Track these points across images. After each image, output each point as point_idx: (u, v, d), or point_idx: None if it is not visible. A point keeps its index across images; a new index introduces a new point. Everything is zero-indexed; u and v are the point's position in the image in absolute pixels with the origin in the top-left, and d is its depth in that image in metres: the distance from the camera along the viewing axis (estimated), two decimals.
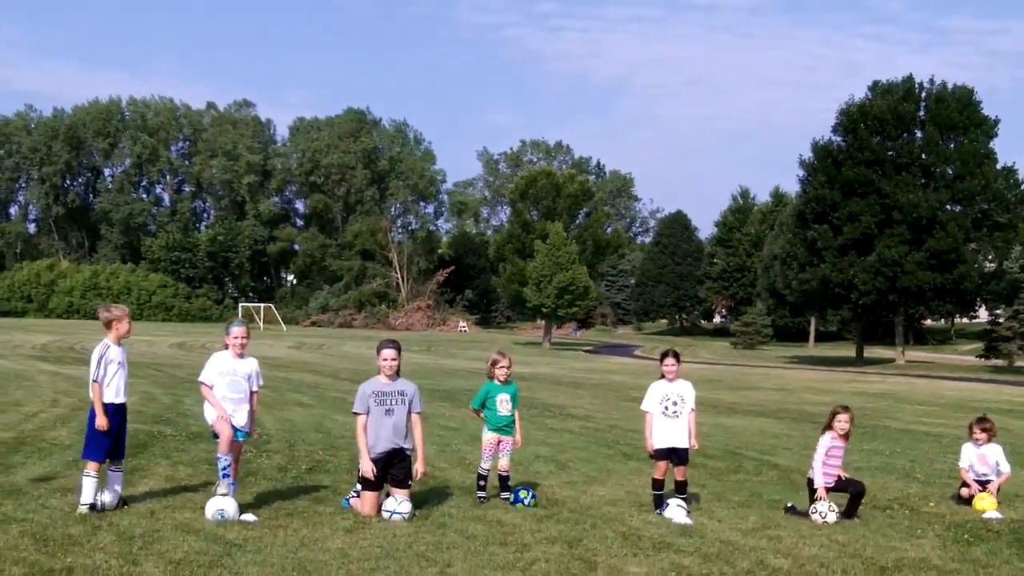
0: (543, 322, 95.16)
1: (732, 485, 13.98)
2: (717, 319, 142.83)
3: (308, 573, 8.09)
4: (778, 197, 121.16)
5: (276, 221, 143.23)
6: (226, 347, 10.80)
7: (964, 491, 13.03)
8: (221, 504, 10.03)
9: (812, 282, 70.08)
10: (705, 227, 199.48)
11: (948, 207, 68.49)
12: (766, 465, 16.23)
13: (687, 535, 10.22)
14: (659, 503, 11.41)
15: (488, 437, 11.83)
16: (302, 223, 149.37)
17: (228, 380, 10.63)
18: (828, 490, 11.68)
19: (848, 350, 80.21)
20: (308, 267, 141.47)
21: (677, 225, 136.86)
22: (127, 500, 10.51)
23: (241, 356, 10.75)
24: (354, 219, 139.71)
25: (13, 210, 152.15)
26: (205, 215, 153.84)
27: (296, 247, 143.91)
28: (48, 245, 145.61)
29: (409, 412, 11.04)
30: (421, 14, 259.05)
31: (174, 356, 47.52)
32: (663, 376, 11.81)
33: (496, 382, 11.94)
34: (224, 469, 10.42)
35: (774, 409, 29.24)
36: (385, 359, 11.02)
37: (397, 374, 11.13)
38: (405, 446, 10.99)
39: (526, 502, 11.44)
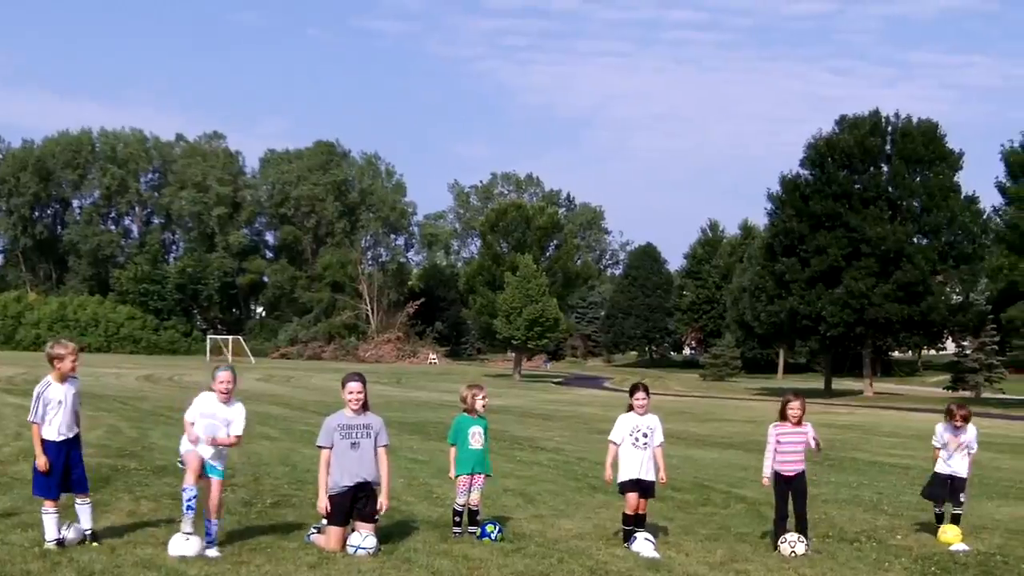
0: (513, 354, 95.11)
1: (700, 518, 13.94)
2: (687, 351, 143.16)
3: None
4: (747, 230, 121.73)
5: (246, 253, 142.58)
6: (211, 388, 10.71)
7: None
8: (184, 550, 9.87)
9: (780, 314, 70.39)
10: (675, 259, 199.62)
11: (915, 240, 69.09)
12: (734, 498, 16.21)
13: (654, 569, 10.16)
14: (628, 537, 11.30)
15: (460, 478, 11.73)
16: (272, 255, 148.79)
17: (207, 423, 10.50)
18: (785, 478, 11.67)
19: (817, 382, 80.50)
20: (278, 299, 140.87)
21: (647, 257, 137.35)
22: (97, 535, 10.35)
23: (226, 401, 10.61)
24: (324, 251, 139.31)
25: None
26: (174, 247, 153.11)
27: (266, 279, 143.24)
28: (15, 276, 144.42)
29: (375, 446, 10.95)
30: (391, 47, 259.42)
31: (141, 388, 47.13)
32: (631, 408, 11.70)
33: (470, 415, 11.87)
34: (188, 501, 10.26)
35: (742, 441, 29.27)
36: (351, 392, 10.92)
37: (364, 407, 11.03)
38: (371, 480, 10.89)
39: (493, 536, 11.33)
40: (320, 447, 10.90)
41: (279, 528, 11.67)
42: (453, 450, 11.87)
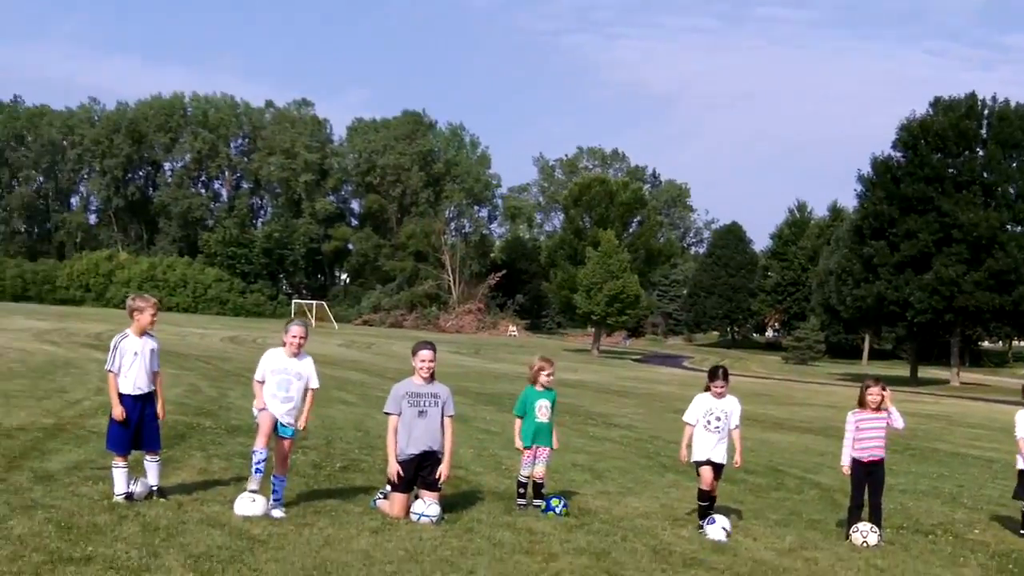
0: (592, 330, 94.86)
1: (771, 503, 13.71)
2: (769, 333, 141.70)
3: (328, 573, 7.95)
4: (835, 212, 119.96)
5: (331, 220, 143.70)
6: (283, 344, 10.71)
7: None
8: (250, 510, 9.90)
9: (867, 299, 69.21)
10: (760, 240, 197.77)
11: (1009, 227, 67.41)
12: (808, 483, 15.94)
13: (720, 552, 9.99)
14: (704, 515, 11.14)
15: (526, 451, 11.63)
16: (357, 223, 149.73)
17: (279, 378, 10.50)
18: (863, 465, 11.37)
19: (902, 369, 79.21)
20: (361, 266, 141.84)
21: (732, 237, 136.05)
22: (164, 490, 10.44)
23: (296, 355, 10.60)
24: (408, 220, 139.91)
25: (74, 201, 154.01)
26: (262, 212, 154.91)
27: (350, 246, 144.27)
28: (107, 236, 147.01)
29: (442, 415, 10.90)
30: (480, 19, 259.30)
31: (225, 350, 47.73)
32: (708, 390, 11.52)
33: (537, 387, 11.76)
34: (258, 464, 10.30)
35: (822, 426, 28.83)
36: (423, 360, 10.87)
37: (432, 376, 10.98)
38: (437, 449, 10.85)
39: (557, 510, 11.23)
40: (388, 414, 10.86)
41: (346, 492, 11.68)
42: (519, 422, 11.76)
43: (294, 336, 10.51)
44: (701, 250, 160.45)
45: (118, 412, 10.14)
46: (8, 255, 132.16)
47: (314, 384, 10.77)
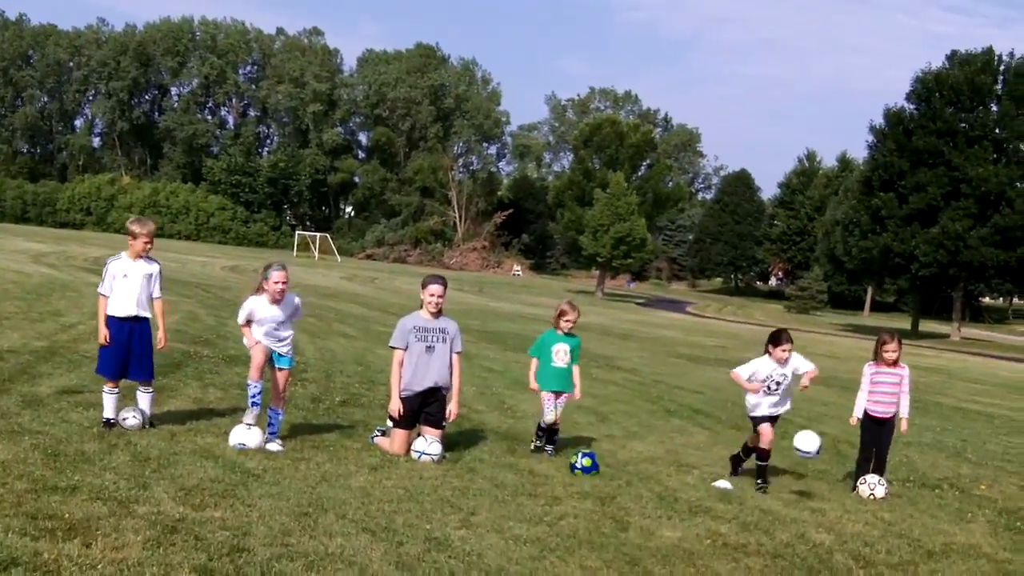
0: (597, 272, 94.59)
1: (777, 452, 13.45)
2: (773, 281, 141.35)
3: (324, 511, 7.70)
4: (844, 162, 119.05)
5: (338, 151, 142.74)
6: (259, 290, 10.30)
7: None
8: (243, 438, 9.67)
9: (873, 250, 68.77)
10: (768, 188, 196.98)
11: (1018, 183, 66.80)
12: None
13: (726, 501, 9.76)
14: (764, 474, 10.73)
15: (543, 394, 11.34)
16: (364, 155, 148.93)
17: (266, 327, 10.16)
18: (874, 419, 11.13)
19: (903, 322, 78.95)
20: (367, 200, 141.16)
21: (740, 184, 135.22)
22: (153, 422, 10.18)
23: (279, 302, 10.24)
24: (416, 155, 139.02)
25: (79, 122, 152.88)
26: (268, 141, 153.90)
27: (356, 179, 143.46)
28: (111, 160, 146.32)
29: (450, 351, 10.63)
30: None
31: (225, 279, 47.49)
32: (770, 354, 10.85)
33: (558, 332, 11.49)
34: (253, 396, 10.05)
35: (825, 376, 28.48)
36: (432, 294, 10.57)
37: (440, 312, 10.69)
38: (442, 385, 10.61)
39: (578, 464, 10.43)
40: (394, 348, 10.60)
41: (345, 427, 11.45)
42: (534, 363, 11.50)
43: (276, 283, 10.09)
44: (709, 196, 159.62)
45: (102, 336, 9.89)
46: (9, 176, 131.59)
47: (298, 316, 10.57)
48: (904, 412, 11.24)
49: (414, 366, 10.49)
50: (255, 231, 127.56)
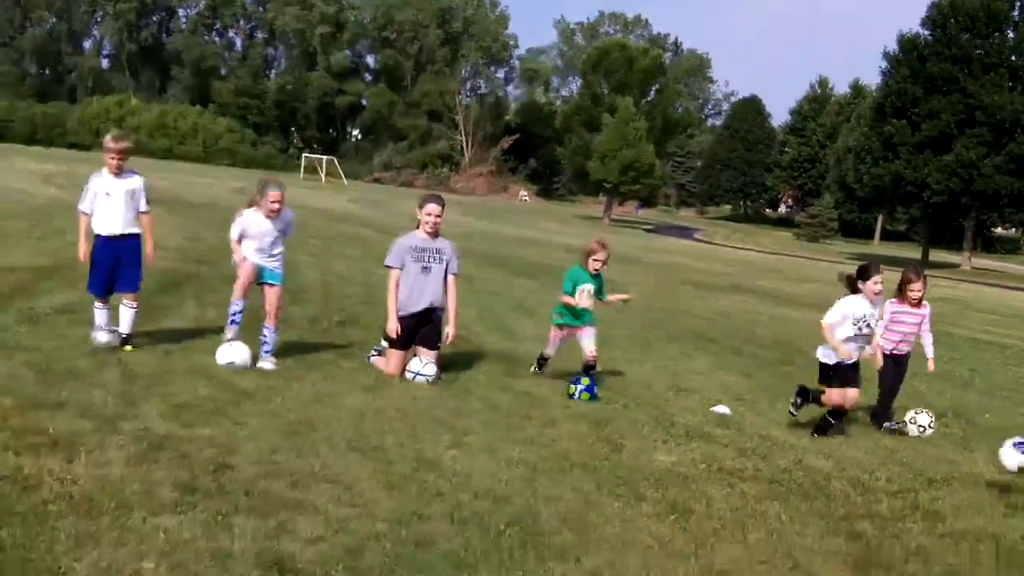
0: (605, 197, 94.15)
1: (781, 378, 13.36)
2: (782, 209, 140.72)
3: (315, 430, 7.59)
4: (857, 89, 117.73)
5: (346, 75, 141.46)
6: (253, 205, 10.14)
7: None
8: (230, 356, 9.55)
9: (884, 178, 68.31)
10: (779, 114, 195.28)
11: None
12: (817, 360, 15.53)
13: (724, 426, 9.65)
14: (827, 430, 9.72)
15: (554, 331, 10.90)
16: (371, 78, 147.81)
17: (259, 242, 10.02)
18: (895, 359, 10.72)
19: (914, 251, 78.64)
20: (374, 123, 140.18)
21: (750, 110, 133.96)
22: (134, 338, 9.97)
23: (275, 218, 10.06)
24: (424, 78, 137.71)
25: (87, 44, 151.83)
26: (275, 63, 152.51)
27: (364, 102, 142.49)
28: (119, 81, 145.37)
29: (446, 272, 10.45)
30: None
31: (232, 200, 47.14)
32: (857, 291, 9.72)
33: (588, 270, 10.85)
34: (233, 315, 9.97)
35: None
36: (429, 214, 10.38)
37: (437, 232, 10.50)
38: (438, 306, 10.45)
39: (576, 394, 10.13)
40: (389, 267, 10.42)
41: (341, 347, 11.32)
42: (567, 299, 10.81)
43: (274, 201, 9.95)
44: (718, 122, 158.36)
45: (82, 252, 9.79)
46: (19, 97, 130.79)
47: (289, 234, 10.42)
48: (930, 352, 10.90)
49: (410, 287, 10.33)
50: (263, 154, 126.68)
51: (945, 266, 68.40)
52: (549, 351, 11.04)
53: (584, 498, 6.69)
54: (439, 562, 5.23)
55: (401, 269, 10.33)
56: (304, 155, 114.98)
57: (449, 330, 10.42)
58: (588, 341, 10.74)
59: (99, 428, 6.87)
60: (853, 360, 9.67)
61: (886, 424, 10.50)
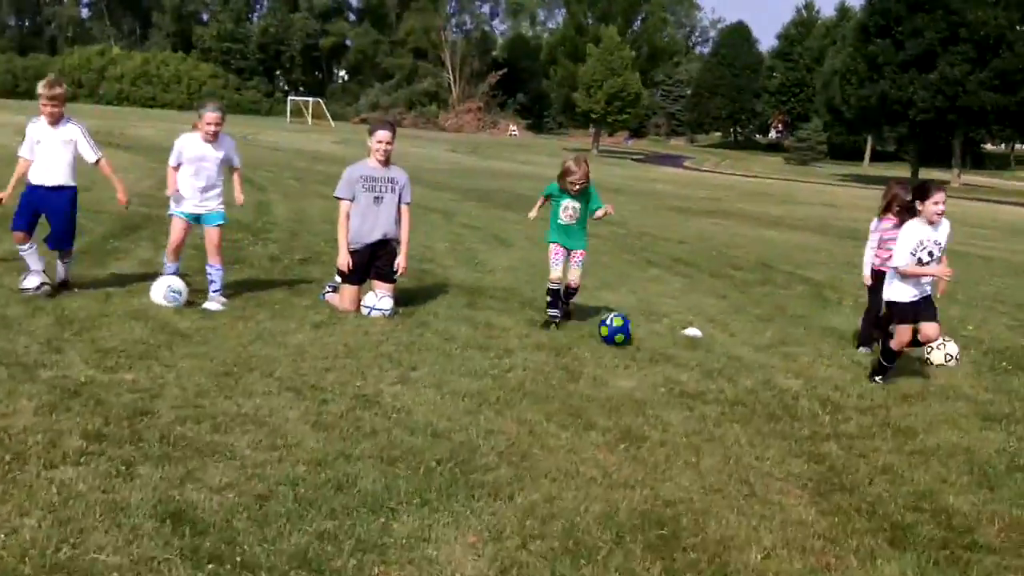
0: (593, 129, 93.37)
1: (756, 297, 12.96)
2: (773, 134, 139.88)
3: (250, 370, 7.18)
4: (843, 11, 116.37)
5: (328, 15, 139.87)
6: (194, 128, 9.69)
7: None
8: (167, 280, 9.17)
9: (870, 98, 67.65)
10: (766, 40, 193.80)
11: (1018, 26, 65.24)
12: (797, 279, 15.18)
13: (692, 348, 9.25)
14: (883, 372, 8.58)
15: (552, 245, 9.99)
16: (355, 18, 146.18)
17: (195, 166, 9.54)
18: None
19: (903, 171, 77.99)
20: (360, 63, 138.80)
21: (737, 36, 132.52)
22: (72, 285, 9.58)
23: (214, 141, 9.58)
24: (408, 16, 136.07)
25: None
26: (258, 6, 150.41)
27: (348, 42, 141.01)
28: (100, 30, 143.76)
29: (399, 202, 10.00)
30: None
31: None
32: (916, 215, 8.66)
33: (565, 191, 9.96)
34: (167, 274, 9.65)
35: (818, 224, 28.08)
36: (380, 141, 9.91)
37: (388, 160, 10.03)
38: (392, 237, 10.01)
39: (610, 335, 9.20)
40: (339, 198, 10.00)
41: (297, 284, 10.92)
42: (539, 200, 10.25)
43: (209, 123, 9.44)
44: (706, 50, 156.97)
45: (4, 195, 9.40)
46: None
47: (236, 164, 9.90)
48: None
49: (361, 217, 9.90)
50: (248, 98, 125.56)
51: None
52: (553, 276, 9.88)
53: (530, 430, 6.30)
54: (356, 505, 4.83)
55: (352, 200, 9.89)
56: (290, 98, 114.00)
57: (400, 261, 9.96)
58: (575, 269, 10.04)
59: (14, 376, 6.46)
60: (927, 293, 8.71)
61: (862, 347, 9.99)
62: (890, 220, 10.02)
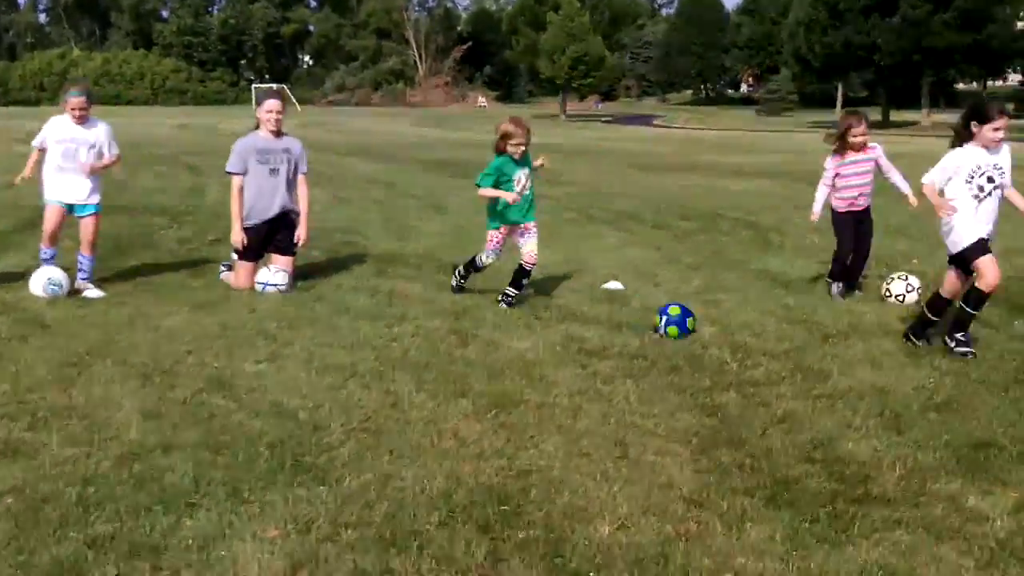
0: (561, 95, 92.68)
1: (693, 246, 12.35)
2: (744, 88, 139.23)
3: (103, 358, 6.55)
4: None
5: (288, 3, 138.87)
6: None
7: None
8: (47, 272, 8.57)
9: (835, 45, 67.19)
10: None
11: None
12: (743, 224, 14.56)
13: (609, 302, 8.64)
14: (922, 332, 7.55)
15: (493, 231, 8.84)
16: (316, 3, 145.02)
17: (63, 147, 8.92)
18: (856, 216, 9.41)
19: (876, 114, 77.56)
20: (323, 47, 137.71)
21: None
22: None
23: (83, 123, 8.99)
24: None
25: (22, 0, 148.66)
26: None
27: (311, 28, 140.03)
28: (59, 34, 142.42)
29: (295, 172, 9.38)
30: None
31: (169, 136, 45.68)
32: (972, 138, 7.32)
33: (512, 158, 8.63)
34: (45, 260, 9.07)
35: (781, 172, 27.43)
36: (270, 111, 9.29)
37: (280, 131, 9.40)
38: (291, 209, 9.39)
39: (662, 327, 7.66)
40: (231, 173, 9.34)
41: (200, 265, 10.28)
42: (488, 191, 8.65)
43: (72, 108, 8.90)
44: (671, 11, 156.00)
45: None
46: None
47: (114, 151, 9.27)
48: (904, 187, 9.48)
49: (257, 191, 9.27)
50: (212, 89, 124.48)
51: (906, 124, 67.49)
52: (485, 260, 8.93)
53: (393, 402, 5.69)
54: (151, 503, 4.21)
55: (244, 174, 9.25)
56: (253, 86, 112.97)
57: (300, 232, 9.33)
58: (531, 241, 8.79)
59: None
60: (983, 235, 7.25)
61: (835, 290, 9.30)
62: (843, 156, 9.45)
